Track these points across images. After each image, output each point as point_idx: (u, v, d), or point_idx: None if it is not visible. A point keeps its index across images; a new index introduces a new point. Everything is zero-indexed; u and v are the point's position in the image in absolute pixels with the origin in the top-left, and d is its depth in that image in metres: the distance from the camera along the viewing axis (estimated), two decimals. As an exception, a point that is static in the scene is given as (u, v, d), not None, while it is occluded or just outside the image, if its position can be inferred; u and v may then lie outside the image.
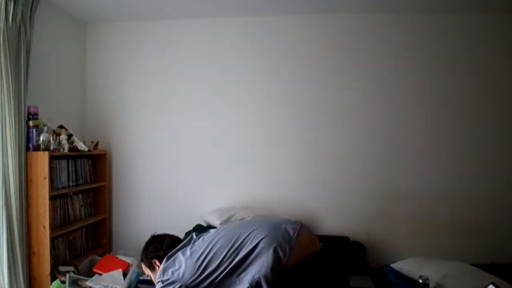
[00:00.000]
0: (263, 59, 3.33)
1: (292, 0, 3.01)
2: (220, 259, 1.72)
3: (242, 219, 1.91)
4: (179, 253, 1.82)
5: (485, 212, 3.10)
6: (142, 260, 2.08)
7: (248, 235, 1.76)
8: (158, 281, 1.78)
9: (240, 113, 3.35)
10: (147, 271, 2.07)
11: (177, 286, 1.71)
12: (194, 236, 1.95)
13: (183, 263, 1.76)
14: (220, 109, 3.39)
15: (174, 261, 1.80)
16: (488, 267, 2.66)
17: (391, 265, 2.84)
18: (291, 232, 1.71)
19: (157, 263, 1.96)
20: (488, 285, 1.87)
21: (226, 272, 1.71)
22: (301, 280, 1.69)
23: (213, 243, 1.79)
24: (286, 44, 3.31)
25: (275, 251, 1.67)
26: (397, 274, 2.74)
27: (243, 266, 1.71)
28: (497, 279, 2.35)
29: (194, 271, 1.72)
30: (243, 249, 1.73)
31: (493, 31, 3.12)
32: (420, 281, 2.45)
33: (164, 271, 1.77)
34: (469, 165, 3.13)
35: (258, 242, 1.72)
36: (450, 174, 3.14)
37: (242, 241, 1.75)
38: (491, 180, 3.11)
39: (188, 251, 1.83)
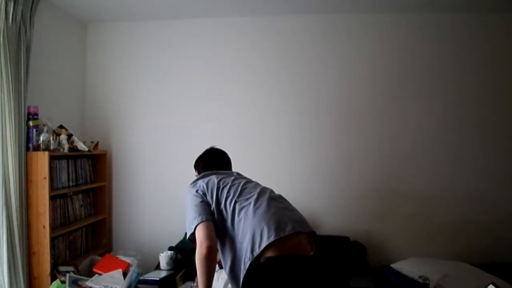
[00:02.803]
0: (263, 59, 3.33)
1: (292, 1, 3.01)
2: (231, 208, 1.82)
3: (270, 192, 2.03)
4: (214, 176, 1.98)
5: (485, 211, 3.10)
6: None
7: (257, 203, 1.80)
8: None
9: (239, 113, 3.35)
10: None
11: (199, 195, 1.88)
12: (235, 174, 2.10)
13: (209, 184, 1.92)
14: (220, 109, 3.39)
15: (207, 179, 1.97)
16: (488, 267, 2.66)
17: (391, 265, 2.84)
18: (287, 228, 1.69)
19: (196, 173, 2.24)
20: (488, 285, 1.87)
21: (231, 217, 1.80)
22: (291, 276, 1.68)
23: (236, 189, 1.89)
24: (286, 44, 3.31)
25: (261, 233, 1.66)
26: (397, 274, 2.73)
27: (237, 227, 1.77)
28: (497, 279, 2.36)
29: (213, 198, 1.86)
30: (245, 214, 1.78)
31: (498, 31, 3.12)
32: (420, 281, 2.45)
33: (195, 181, 1.99)
34: (469, 165, 3.13)
35: (252, 215, 1.75)
36: (450, 174, 3.14)
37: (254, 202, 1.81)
38: (491, 180, 3.11)
39: (221, 178, 1.97)
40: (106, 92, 3.51)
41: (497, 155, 3.11)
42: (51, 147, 2.73)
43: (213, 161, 2.25)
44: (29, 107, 2.65)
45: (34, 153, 2.64)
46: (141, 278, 2.71)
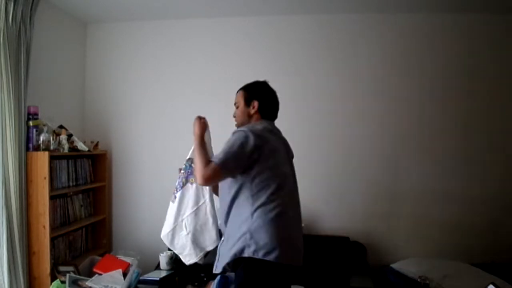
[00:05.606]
0: (263, 59, 3.33)
1: (292, 1, 3.01)
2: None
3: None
4: (275, 143, 1.92)
5: (485, 211, 3.10)
6: (244, 89, 2.11)
7: (284, 208, 1.80)
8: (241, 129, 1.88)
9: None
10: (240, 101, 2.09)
11: (244, 151, 1.79)
12: (287, 157, 2.04)
13: (266, 151, 1.82)
14: (220, 109, 3.36)
15: (269, 143, 1.87)
16: (488, 267, 2.66)
17: (391, 265, 2.84)
18: (299, 257, 1.84)
19: (255, 105, 1.99)
20: (488, 285, 1.87)
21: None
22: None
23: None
24: (286, 44, 3.31)
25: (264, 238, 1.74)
26: (397, 274, 2.73)
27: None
28: (497, 279, 2.36)
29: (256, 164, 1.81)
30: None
31: (497, 31, 3.11)
32: (420, 281, 2.45)
33: (256, 133, 1.84)
34: (469, 165, 3.13)
35: (266, 216, 1.78)
36: (450, 174, 3.14)
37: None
38: (491, 180, 3.11)
39: (280, 154, 1.94)
40: (106, 92, 3.51)
41: (497, 155, 3.11)
42: (51, 147, 2.73)
43: (273, 108, 2.06)
44: (29, 107, 2.65)
45: (34, 153, 2.63)
46: (141, 278, 2.71)
